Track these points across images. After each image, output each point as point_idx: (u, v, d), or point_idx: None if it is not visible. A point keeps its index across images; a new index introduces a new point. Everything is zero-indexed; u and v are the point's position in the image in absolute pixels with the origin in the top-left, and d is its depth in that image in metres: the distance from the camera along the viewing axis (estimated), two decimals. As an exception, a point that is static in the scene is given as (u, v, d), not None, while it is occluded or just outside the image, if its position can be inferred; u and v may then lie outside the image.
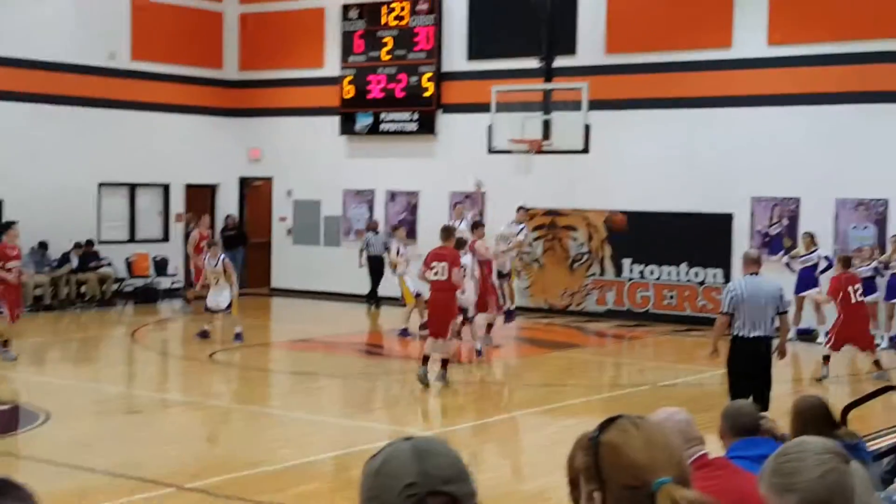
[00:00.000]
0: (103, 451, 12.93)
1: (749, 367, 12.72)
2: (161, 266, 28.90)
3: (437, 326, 16.83)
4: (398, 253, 23.24)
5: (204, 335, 21.44)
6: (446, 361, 16.83)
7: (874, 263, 21.62)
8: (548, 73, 23.99)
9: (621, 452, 2.72)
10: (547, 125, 22.96)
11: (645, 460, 2.71)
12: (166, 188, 29.62)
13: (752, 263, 13.00)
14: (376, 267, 26.65)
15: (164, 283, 28.64)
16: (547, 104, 23.22)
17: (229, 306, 21.42)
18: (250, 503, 10.85)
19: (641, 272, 25.06)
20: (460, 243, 18.45)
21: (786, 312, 13.28)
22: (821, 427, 6.67)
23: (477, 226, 20.88)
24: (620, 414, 2.81)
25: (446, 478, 2.54)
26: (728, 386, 12.96)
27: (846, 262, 18.84)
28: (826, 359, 18.38)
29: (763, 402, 12.30)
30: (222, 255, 21.72)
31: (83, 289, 27.00)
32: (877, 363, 18.35)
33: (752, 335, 12.60)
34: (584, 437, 2.81)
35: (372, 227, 27.26)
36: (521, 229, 23.48)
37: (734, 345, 12.85)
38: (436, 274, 16.78)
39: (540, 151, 22.90)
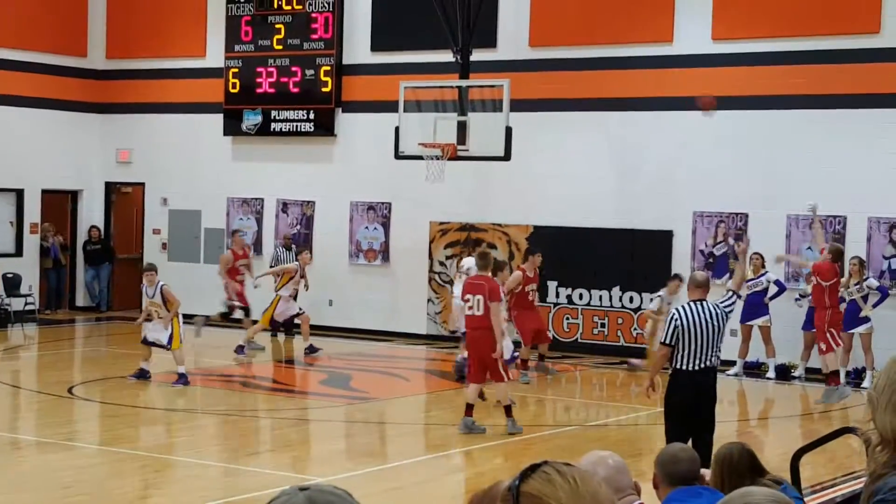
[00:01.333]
0: (-58, 500, 12.71)
1: (691, 405, 12.76)
2: (13, 284, 28.47)
3: (475, 371, 16.70)
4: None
5: (143, 375, 20.67)
6: (509, 408, 16.70)
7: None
8: (464, 69, 24.05)
9: (544, 504, 2.73)
10: (462, 127, 23.00)
11: None
12: (20, 194, 29.22)
13: (699, 288, 13.02)
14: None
15: (17, 304, 28.19)
16: (463, 104, 23.27)
17: (170, 341, 20.51)
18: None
19: (569, 296, 25.19)
20: (499, 266, 18.45)
21: None
22: (742, 476, 6.75)
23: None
24: (544, 460, 2.83)
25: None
26: (665, 427, 13.03)
27: (839, 254, 19.90)
28: (835, 375, 18.91)
29: (705, 446, 12.36)
30: (161, 283, 20.62)
31: (-80, 310, 26.57)
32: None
33: (696, 367, 12.67)
34: (497, 485, 2.83)
35: (286, 242, 27.02)
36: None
37: (675, 379, 12.87)
38: (470, 308, 16.60)
39: (454, 157, 22.94)
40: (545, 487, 2.74)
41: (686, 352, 12.65)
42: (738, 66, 23.55)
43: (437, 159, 22.91)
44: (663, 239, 24.24)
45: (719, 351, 12.94)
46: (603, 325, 24.88)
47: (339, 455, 16.13)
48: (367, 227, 27.50)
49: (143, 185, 30.63)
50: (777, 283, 22.46)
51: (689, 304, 12.90)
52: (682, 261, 23.89)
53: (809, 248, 22.94)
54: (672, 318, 12.81)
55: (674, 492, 6.56)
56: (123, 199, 31.42)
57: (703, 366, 12.66)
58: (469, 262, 19.89)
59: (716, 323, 12.71)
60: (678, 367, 12.76)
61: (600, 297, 24.90)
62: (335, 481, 13.35)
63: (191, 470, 14.73)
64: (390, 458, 16.06)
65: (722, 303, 12.99)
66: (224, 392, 20.41)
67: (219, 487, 13.99)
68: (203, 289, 28.27)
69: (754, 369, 22.69)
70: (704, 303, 12.83)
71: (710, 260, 23.86)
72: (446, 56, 24.30)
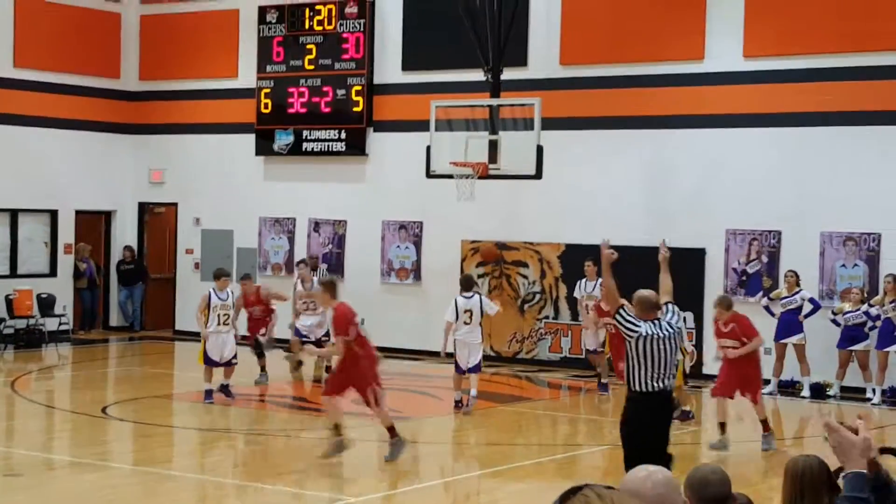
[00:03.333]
0: (-24, 520, 12.67)
1: (649, 427, 12.12)
2: (47, 305, 28.51)
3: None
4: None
5: (226, 392, 20.52)
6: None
7: (865, 307, 21.74)
8: (495, 88, 23.99)
9: (583, 528, 2.66)
10: (494, 146, 22.91)
11: None
12: (54, 215, 29.29)
13: (654, 309, 12.20)
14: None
15: (51, 324, 28.23)
16: (494, 122, 23.19)
17: (236, 356, 20.56)
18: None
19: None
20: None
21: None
22: (820, 494, 6.55)
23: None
24: (586, 483, 2.75)
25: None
26: (625, 454, 12.19)
27: (729, 304, 18.00)
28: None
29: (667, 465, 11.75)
30: (230, 289, 20.84)
31: (-45, 331, 26.61)
32: (765, 423, 17.37)
33: (654, 388, 12.04)
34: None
35: (312, 263, 26.88)
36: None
37: (633, 403, 12.22)
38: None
39: (485, 176, 22.86)
40: None
41: (645, 371, 12.00)
42: (769, 84, 23.41)
43: (469, 178, 22.83)
44: (696, 257, 24.06)
45: (675, 370, 12.46)
46: (635, 344, 24.65)
47: (371, 474, 16.02)
48: (398, 246, 27.45)
49: (175, 205, 30.67)
50: (812, 300, 22.26)
51: (647, 321, 12.10)
52: (714, 279, 23.75)
53: (843, 265, 22.74)
54: (636, 325, 12.01)
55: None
56: (156, 220, 31.48)
57: (660, 386, 12.05)
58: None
59: (674, 342, 12.13)
60: (637, 388, 12.08)
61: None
62: (367, 501, 13.26)
63: (223, 490, 14.67)
64: (423, 477, 15.94)
65: (671, 319, 12.26)
66: (256, 412, 20.34)
67: (251, 507, 13.92)
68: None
69: (789, 388, 22.50)
70: (659, 321, 12.14)
71: (744, 278, 23.69)
72: (477, 75, 24.24)
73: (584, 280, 22.89)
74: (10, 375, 24.11)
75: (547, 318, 25.74)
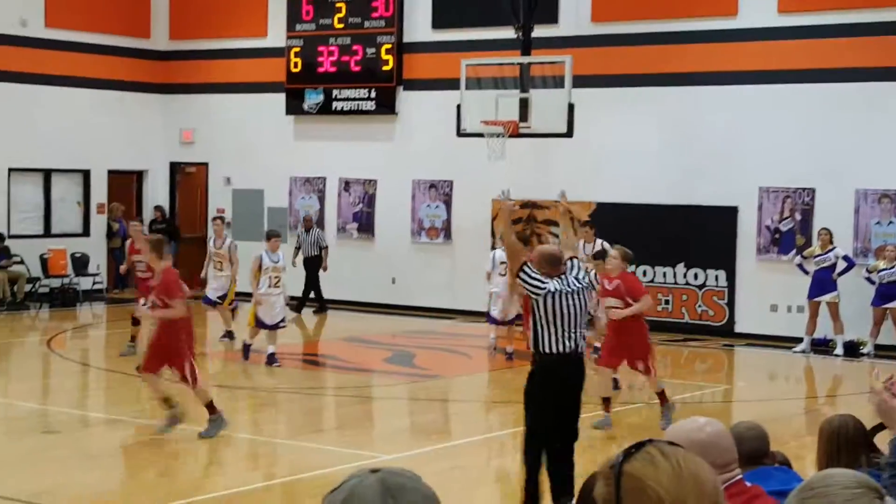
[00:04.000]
0: (14, 476, 12.75)
1: (558, 391, 11.20)
2: (81, 264, 28.63)
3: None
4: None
5: (271, 359, 20.07)
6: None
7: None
8: (525, 45, 23.90)
9: (645, 486, 2.63)
10: (524, 104, 22.85)
11: (672, 497, 2.61)
12: (86, 174, 29.36)
13: (557, 264, 11.23)
14: (308, 269, 26.56)
15: (85, 283, 28.36)
16: (524, 80, 23.12)
17: (284, 320, 20.41)
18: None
19: (632, 273, 24.88)
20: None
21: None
22: (857, 452, 6.49)
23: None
24: (649, 438, 2.71)
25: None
26: (526, 419, 11.40)
27: (629, 257, 16.48)
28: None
29: (573, 435, 11.24)
30: (281, 251, 20.87)
31: (-11, 290, 26.72)
32: (661, 395, 15.86)
33: (563, 350, 11.15)
34: (605, 464, 2.71)
35: (306, 224, 27.10)
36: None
37: (540, 365, 11.26)
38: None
39: (516, 134, 22.78)
40: (647, 469, 2.64)
41: (554, 330, 11.11)
42: (804, 39, 23.20)
43: (499, 136, 22.75)
44: (729, 215, 23.94)
45: (585, 330, 11.59)
46: (667, 303, 24.61)
47: (402, 433, 16.04)
48: (428, 205, 27.40)
49: (206, 164, 30.70)
50: (846, 258, 22.13)
51: (553, 278, 11.17)
52: (747, 237, 23.64)
53: (878, 222, 22.59)
54: (543, 282, 11.07)
55: (744, 473, 6.31)
56: (187, 179, 31.51)
57: (572, 346, 11.17)
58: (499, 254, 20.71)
59: (583, 297, 11.28)
60: (545, 350, 11.15)
61: (664, 273, 24.65)
62: (399, 459, 13.25)
63: (256, 447, 14.71)
64: (454, 435, 15.94)
65: (578, 274, 11.31)
66: (287, 370, 20.34)
67: (284, 465, 13.98)
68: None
69: (822, 346, 22.39)
70: (566, 277, 11.21)
71: (777, 235, 23.56)
72: (508, 33, 24.14)
73: (582, 242, 22.57)
74: (45, 334, 24.25)
75: (578, 276, 25.64)
